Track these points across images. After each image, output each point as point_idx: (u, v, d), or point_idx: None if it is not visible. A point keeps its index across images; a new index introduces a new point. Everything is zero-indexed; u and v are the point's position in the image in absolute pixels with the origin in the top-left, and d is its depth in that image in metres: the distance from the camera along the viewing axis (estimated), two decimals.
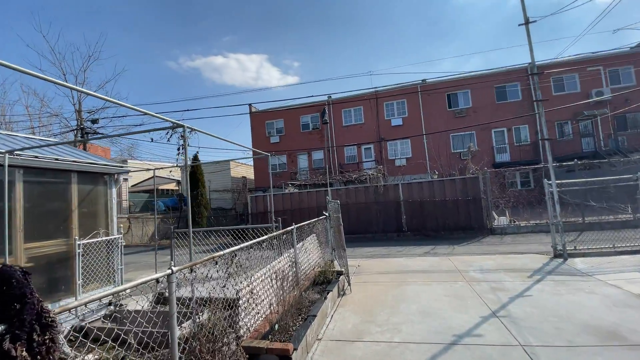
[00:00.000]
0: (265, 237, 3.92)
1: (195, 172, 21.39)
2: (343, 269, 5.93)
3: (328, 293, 4.68)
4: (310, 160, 26.49)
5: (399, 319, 4.25)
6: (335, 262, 7.60)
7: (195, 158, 21.48)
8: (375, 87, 23.59)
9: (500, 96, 25.58)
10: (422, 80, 25.08)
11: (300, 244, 5.52)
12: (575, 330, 3.55)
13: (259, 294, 3.75)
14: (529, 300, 4.66)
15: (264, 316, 3.71)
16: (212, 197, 25.18)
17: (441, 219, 12.72)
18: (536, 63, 7.68)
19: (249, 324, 3.34)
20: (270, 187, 7.50)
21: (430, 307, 4.62)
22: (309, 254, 5.85)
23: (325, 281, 5.37)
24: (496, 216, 13.48)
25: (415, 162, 24.57)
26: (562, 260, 6.98)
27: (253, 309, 3.57)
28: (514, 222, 13.31)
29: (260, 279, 3.84)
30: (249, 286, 3.49)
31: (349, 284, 5.68)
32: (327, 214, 8.03)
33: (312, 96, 23.95)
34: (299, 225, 5.24)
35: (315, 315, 3.80)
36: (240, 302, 3.21)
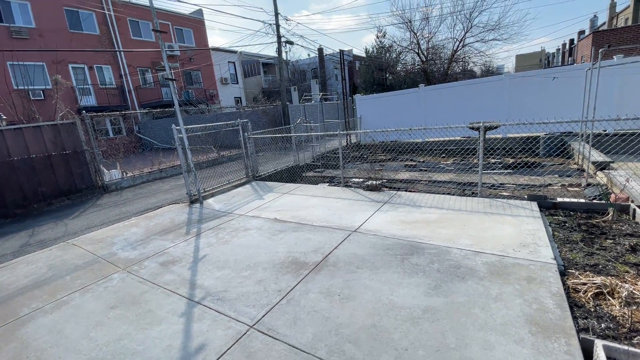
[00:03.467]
0: None
1: None
2: None
3: None
4: None
5: None
6: None
7: None
8: None
9: (73, 24, 21.09)
10: None
11: None
12: (271, 277, 3.58)
13: None
14: (209, 261, 4.19)
15: None
16: None
17: (30, 185, 8.66)
18: None
19: None
20: None
21: None
22: None
23: None
24: (106, 170, 11.57)
25: None
26: (199, 205, 7.18)
27: None
28: (126, 173, 12.22)
29: None
30: None
31: None
32: None
33: None
34: None
35: None
36: None
